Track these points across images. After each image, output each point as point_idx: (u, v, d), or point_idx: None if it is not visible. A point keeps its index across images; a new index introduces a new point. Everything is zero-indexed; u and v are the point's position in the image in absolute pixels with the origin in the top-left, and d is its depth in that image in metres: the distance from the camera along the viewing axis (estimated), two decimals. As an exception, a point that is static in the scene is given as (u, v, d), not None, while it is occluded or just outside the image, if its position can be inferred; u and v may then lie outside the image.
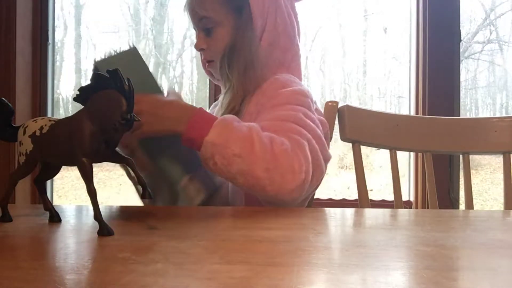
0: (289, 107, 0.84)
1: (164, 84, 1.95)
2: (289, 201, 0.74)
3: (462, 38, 1.56)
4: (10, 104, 0.57)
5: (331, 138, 0.99)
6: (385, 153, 1.10)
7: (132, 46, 0.80)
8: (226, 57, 0.92)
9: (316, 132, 0.83)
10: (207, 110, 1.11)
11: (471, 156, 1.05)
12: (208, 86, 1.73)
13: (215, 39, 0.95)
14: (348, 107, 1.03)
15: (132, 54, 0.78)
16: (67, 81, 1.94)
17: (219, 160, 0.71)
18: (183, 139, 0.73)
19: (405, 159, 1.65)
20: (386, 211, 0.71)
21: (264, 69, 0.92)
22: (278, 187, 0.72)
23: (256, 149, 0.72)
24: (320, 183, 0.85)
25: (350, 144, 1.04)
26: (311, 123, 0.83)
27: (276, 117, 0.82)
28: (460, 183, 1.53)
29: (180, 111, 0.75)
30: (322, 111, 1.01)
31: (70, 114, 0.53)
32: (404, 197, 1.48)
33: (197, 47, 0.97)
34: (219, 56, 0.94)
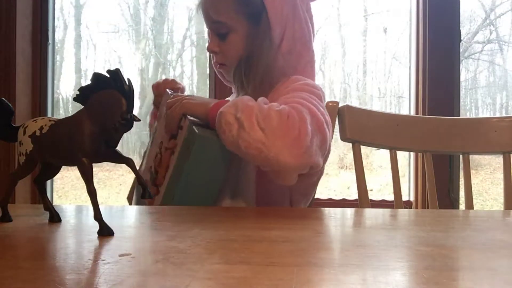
0: (300, 93, 0.85)
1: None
2: (293, 164, 0.74)
3: (462, 38, 1.56)
4: (10, 104, 0.57)
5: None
6: (385, 153, 1.10)
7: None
8: (243, 66, 0.91)
9: (324, 112, 0.83)
10: None
11: (471, 156, 1.05)
12: (208, 86, 1.72)
13: (229, 44, 0.93)
14: (348, 107, 1.04)
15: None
16: (67, 81, 1.94)
17: (226, 128, 0.76)
18: (209, 117, 0.82)
19: (405, 159, 1.65)
20: (386, 211, 0.71)
21: (281, 77, 0.91)
22: (286, 153, 0.73)
23: (264, 116, 0.75)
24: (326, 155, 0.84)
25: (350, 144, 1.04)
26: (320, 108, 0.83)
27: (287, 98, 0.83)
28: (460, 183, 1.53)
29: (209, 99, 0.89)
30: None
31: (70, 114, 0.53)
32: (404, 197, 1.48)
33: (210, 49, 0.96)
34: (233, 61, 0.93)
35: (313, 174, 0.89)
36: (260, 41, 0.90)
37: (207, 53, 1.05)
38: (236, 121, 0.75)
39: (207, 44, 0.98)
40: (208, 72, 1.74)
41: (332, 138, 0.98)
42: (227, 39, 0.93)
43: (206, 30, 1.03)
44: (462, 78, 1.61)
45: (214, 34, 0.95)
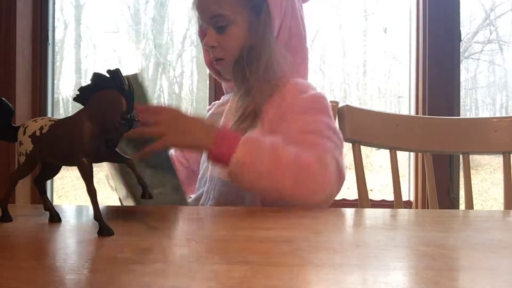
0: (311, 117, 0.85)
1: (164, 84, 1.95)
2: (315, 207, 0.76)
3: (462, 38, 1.56)
4: (10, 104, 0.57)
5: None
6: (385, 153, 1.10)
7: (137, 72, 0.80)
8: (245, 57, 0.90)
9: (337, 142, 0.84)
10: (207, 107, 1.09)
11: (471, 156, 1.05)
12: (208, 86, 1.72)
13: (229, 37, 0.92)
14: (348, 107, 1.03)
15: (135, 79, 0.77)
16: (67, 81, 1.94)
17: (247, 176, 0.73)
18: (211, 156, 0.74)
19: (405, 159, 1.65)
20: (386, 211, 0.71)
21: (280, 71, 0.90)
22: (306, 200, 0.74)
23: (283, 165, 0.74)
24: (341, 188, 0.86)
25: (350, 144, 1.04)
26: (332, 134, 0.84)
27: (300, 129, 0.83)
28: (460, 183, 1.53)
29: (204, 127, 0.76)
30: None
31: (70, 114, 0.53)
32: (404, 197, 1.48)
33: (208, 44, 0.94)
34: (232, 55, 0.92)
35: None
36: (262, 32, 0.90)
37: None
38: (262, 174, 0.73)
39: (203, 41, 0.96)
40: (208, 72, 1.74)
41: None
42: (226, 32, 0.92)
43: (196, 28, 1.02)
44: (462, 78, 1.60)
45: (212, 28, 0.93)
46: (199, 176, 0.98)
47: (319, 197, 0.75)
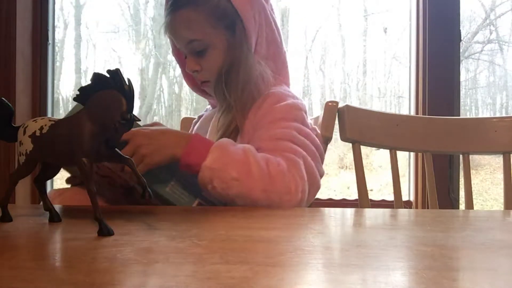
0: (284, 124, 0.84)
1: (164, 84, 1.95)
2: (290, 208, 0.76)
3: (462, 38, 1.56)
4: (10, 104, 0.57)
5: (330, 138, 0.99)
6: (385, 153, 1.10)
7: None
8: (224, 76, 0.89)
9: (311, 148, 0.84)
10: (192, 122, 1.09)
11: (471, 156, 1.05)
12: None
13: (209, 60, 0.91)
14: (348, 107, 1.03)
15: None
16: (67, 81, 1.94)
17: (217, 184, 0.73)
18: (181, 164, 0.75)
19: (405, 159, 1.65)
20: (386, 211, 0.71)
21: (260, 87, 0.90)
22: (276, 208, 0.74)
23: (253, 172, 0.74)
24: (316, 193, 0.86)
25: (350, 144, 1.04)
26: (305, 140, 0.84)
27: (271, 137, 0.83)
28: (460, 183, 1.53)
29: (176, 138, 0.77)
30: (322, 111, 1.02)
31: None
32: (404, 197, 1.48)
33: (190, 69, 0.93)
34: (215, 76, 0.91)
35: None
36: (240, 50, 0.89)
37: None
38: (232, 181, 0.73)
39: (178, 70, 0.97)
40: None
41: (330, 140, 0.99)
42: (206, 55, 0.91)
43: (171, 48, 1.01)
44: (462, 78, 1.60)
45: (190, 54, 0.92)
46: None
47: (291, 203, 0.75)
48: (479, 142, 1.06)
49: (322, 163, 0.91)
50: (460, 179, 1.52)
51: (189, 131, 1.10)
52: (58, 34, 1.88)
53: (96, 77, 0.50)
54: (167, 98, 1.95)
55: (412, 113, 1.62)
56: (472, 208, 1.03)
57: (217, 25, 0.90)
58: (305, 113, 0.90)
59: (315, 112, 1.69)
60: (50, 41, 1.73)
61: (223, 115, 0.91)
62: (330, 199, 1.66)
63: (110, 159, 0.53)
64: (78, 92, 0.51)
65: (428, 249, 0.43)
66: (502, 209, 1.03)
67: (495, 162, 1.84)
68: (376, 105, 1.87)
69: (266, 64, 0.92)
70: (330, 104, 1.01)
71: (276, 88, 0.91)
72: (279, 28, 0.96)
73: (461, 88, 1.58)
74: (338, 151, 1.85)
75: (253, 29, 0.90)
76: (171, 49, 1.02)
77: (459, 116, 1.55)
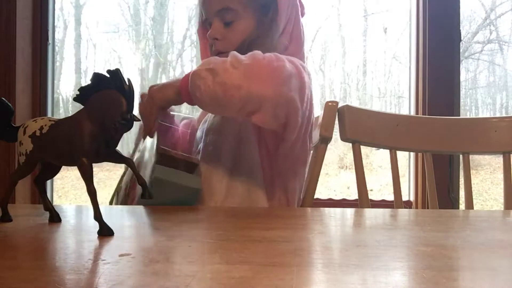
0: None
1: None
2: (270, 94, 0.77)
3: (462, 38, 1.56)
4: (10, 104, 0.57)
5: (330, 138, 0.99)
6: (385, 153, 1.10)
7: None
8: (246, 49, 0.90)
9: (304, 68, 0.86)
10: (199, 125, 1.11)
11: (471, 156, 1.05)
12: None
13: (235, 31, 0.93)
14: (348, 107, 1.03)
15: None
16: (67, 81, 1.94)
17: (201, 83, 0.77)
18: (182, 92, 0.81)
19: (405, 159, 1.65)
20: (386, 211, 0.71)
21: None
22: (264, 91, 0.76)
23: (227, 60, 0.78)
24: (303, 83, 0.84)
25: (350, 144, 1.04)
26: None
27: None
28: (460, 183, 1.53)
29: (175, 80, 0.85)
30: (322, 111, 1.02)
31: (70, 114, 0.53)
32: (404, 197, 1.48)
33: (212, 36, 0.94)
34: (234, 48, 0.91)
35: (292, 138, 0.88)
36: (267, 29, 0.93)
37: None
38: (209, 73, 0.76)
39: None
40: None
41: (331, 140, 0.99)
42: (233, 26, 0.93)
43: (196, 27, 1.03)
44: (462, 78, 1.60)
45: (218, 20, 0.94)
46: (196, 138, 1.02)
47: (275, 80, 0.77)
48: (479, 142, 1.06)
49: (311, 94, 0.89)
50: (460, 179, 1.52)
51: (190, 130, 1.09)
52: (58, 34, 1.88)
53: (96, 77, 0.50)
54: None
55: (412, 113, 1.62)
56: (472, 208, 1.03)
57: (254, 1, 0.93)
58: (307, 72, 0.91)
59: (315, 112, 1.68)
60: (50, 41, 1.73)
61: None
62: (330, 199, 1.66)
63: (110, 159, 0.53)
64: (78, 92, 0.51)
65: (428, 249, 0.43)
66: (502, 209, 1.03)
67: (495, 162, 1.84)
68: (376, 105, 1.87)
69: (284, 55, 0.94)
70: (330, 104, 1.01)
71: None
72: (304, 32, 0.99)
73: (461, 88, 1.58)
74: (338, 151, 1.85)
75: (285, 16, 0.93)
76: (196, 28, 1.04)
77: (459, 116, 1.55)
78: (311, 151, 1.01)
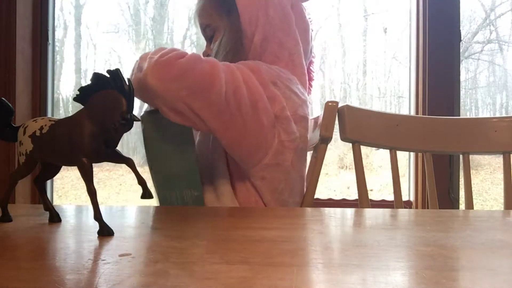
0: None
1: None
2: (157, 86, 0.77)
3: (462, 38, 1.56)
4: (10, 104, 0.57)
5: (330, 138, 0.99)
6: (385, 153, 1.10)
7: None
8: (214, 55, 0.95)
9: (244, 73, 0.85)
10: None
11: (471, 156, 1.05)
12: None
13: (216, 42, 0.97)
14: (348, 107, 1.03)
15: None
16: (67, 81, 1.94)
17: (135, 65, 0.82)
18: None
19: (405, 159, 1.65)
20: (386, 211, 0.71)
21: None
22: (150, 71, 0.76)
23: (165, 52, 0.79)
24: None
25: (350, 144, 1.04)
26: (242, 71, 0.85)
27: None
28: (460, 183, 1.53)
29: None
30: (322, 111, 1.01)
31: (70, 114, 0.53)
32: (404, 197, 1.48)
33: (205, 54, 1.00)
34: (220, 58, 0.95)
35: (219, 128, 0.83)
36: (233, 31, 0.94)
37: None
38: (145, 59, 0.79)
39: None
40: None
41: (331, 140, 0.98)
42: (214, 39, 0.98)
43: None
44: (462, 78, 1.60)
45: (207, 40, 1.00)
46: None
47: (165, 74, 0.77)
48: (479, 142, 1.06)
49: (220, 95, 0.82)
50: (460, 179, 1.52)
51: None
52: (58, 34, 1.88)
53: (96, 77, 0.50)
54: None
55: (412, 113, 1.62)
56: (472, 208, 1.03)
57: (219, 10, 0.96)
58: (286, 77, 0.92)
59: (315, 112, 1.68)
60: (50, 41, 1.73)
61: None
62: (330, 199, 1.66)
63: (110, 159, 0.53)
64: (78, 92, 0.51)
65: (428, 249, 0.43)
66: (502, 209, 1.03)
67: (495, 162, 1.84)
68: (376, 105, 1.87)
69: (268, 47, 0.95)
70: (330, 104, 1.01)
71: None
72: (292, 14, 0.97)
73: (461, 88, 1.58)
74: (338, 151, 1.85)
75: (247, 9, 0.93)
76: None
77: (459, 116, 1.55)
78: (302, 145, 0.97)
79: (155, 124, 0.84)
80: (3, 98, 0.57)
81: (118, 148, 0.53)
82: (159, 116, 0.80)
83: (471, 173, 1.04)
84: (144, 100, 0.84)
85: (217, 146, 0.92)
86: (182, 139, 0.84)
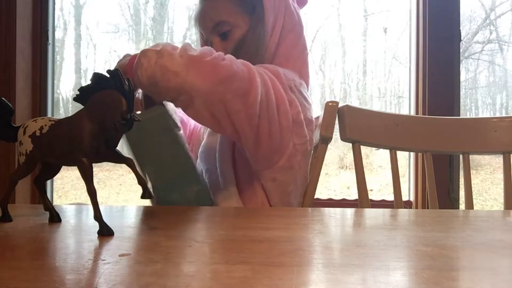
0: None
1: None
2: (204, 89, 0.76)
3: (462, 38, 1.56)
4: (10, 104, 0.57)
5: (331, 138, 0.99)
6: (385, 153, 1.10)
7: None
8: (233, 53, 0.91)
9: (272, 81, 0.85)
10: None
11: (471, 156, 1.05)
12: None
13: (233, 41, 0.95)
14: (348, 107, 1.03)
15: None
16: (67, 81, 1.94)
17: (145, 61, 0.76)
18: (127, 68, 0.80)
19: (405, 159, 1.65)
20: (386, 211, 0.71)
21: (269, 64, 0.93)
22: (195, 73, 0.75)
23: (178, 47, 0.78)
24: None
25: (350, 144, 1.04)
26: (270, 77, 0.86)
27: None
28: (460, 183, 1.53)
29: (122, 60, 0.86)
30: (322, 111, 1.01)
31: (70, 114, 0.53)
32: (404, 197, 1.48)
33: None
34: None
35: (249, 142, 0.85)
36: (253, 29, 0.94)
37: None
38: (155, 53, 0.76)
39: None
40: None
41: (331, 140, 0.99)
42: (231, 37, 0.95)
43: (199, 42, 1.05)
44: (462, 78, 1.60)
45: (216, 36, 0.96)
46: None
47: (212, 76, 0.76)
48: (479, 142, 1.06)
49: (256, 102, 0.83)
50: (460, 179, 1.52)
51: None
52: (58, 34, 1.88)
53: (96, 77, 0.50)
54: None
55: (412, 113, 1.62)
56: (472, 208, 1.03)
57: (241, 7, 0.95)
58: (296, 85, 0.92)
59: (315, 112, 1.69)
60: (50, 41, 1.73)
61: None
62: (330, 199, 1.66)
63: (110, 159, 0.53)
64: (78, 92, 0.51)
65: (428, 249, 0.43)
66: (502, 209, 1.03)
67: (495, 162, 1.84)
68: (376, 105, 1.87)
69: (279, 49, 0.96)
70: (330, 104, 1.01)
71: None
72: (301, 21, 1.00)
73: (461, 88, 1.58)
74: (338, 151, 1.85)
75: (271, 11, 0.94)
76: (200, 43, 1.05)
77: (459, 116, 1.55)
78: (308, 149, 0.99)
79: (138, 129, 0.82)
80: (3, 98, 0.57)
81: (118, 148, 0.53)
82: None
83: (471, 173, 1.04)
84: (154, 91, 0.80)
85: (224, 149, 0.92)
86: (167, 138, 0.83)
